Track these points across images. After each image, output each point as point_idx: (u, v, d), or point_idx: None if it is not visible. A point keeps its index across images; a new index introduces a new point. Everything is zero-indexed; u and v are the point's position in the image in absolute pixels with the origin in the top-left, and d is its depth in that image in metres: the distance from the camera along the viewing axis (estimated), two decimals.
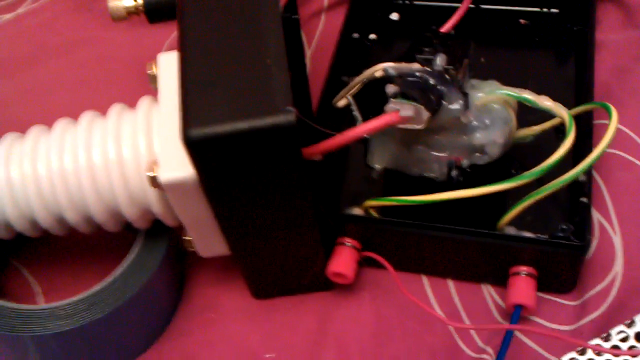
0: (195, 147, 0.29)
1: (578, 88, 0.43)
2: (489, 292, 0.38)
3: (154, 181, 0.32)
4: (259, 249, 0.35)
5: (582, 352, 0.34)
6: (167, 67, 0.35)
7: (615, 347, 0.34)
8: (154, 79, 0.35)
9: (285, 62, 0.30)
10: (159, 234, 0.38)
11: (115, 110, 0.36)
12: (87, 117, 0.36)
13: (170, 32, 0.51)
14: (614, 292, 0.37)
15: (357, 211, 0.38)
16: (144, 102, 0.36)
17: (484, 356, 0.36)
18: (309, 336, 0.38)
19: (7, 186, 0.35)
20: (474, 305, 0.38)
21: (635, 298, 0.36)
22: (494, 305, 0.37)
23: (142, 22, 0.42)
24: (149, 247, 0.37)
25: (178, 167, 0.32)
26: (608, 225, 0.39)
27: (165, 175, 0.32)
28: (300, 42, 0.41)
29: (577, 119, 0.36)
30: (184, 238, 0.36)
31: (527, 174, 0.34)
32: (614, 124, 0.34)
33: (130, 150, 0.34)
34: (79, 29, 0.54)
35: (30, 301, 0.40)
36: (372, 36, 0.48)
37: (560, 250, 0.34)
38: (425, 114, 0.34)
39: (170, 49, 0.51)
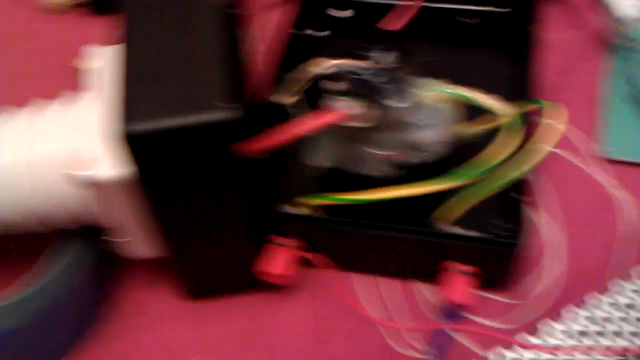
0: (132, 141, 0.28)
1: (524, 87, 0.43)
2: (423, 290, 0.38)
3: (85, 180, 0.31)
4: (195, 247, 0.34)
5: (509, 347, 0.34)
6: (99, 61, 0.34)
7: (542, 344, 0.34)
8: (85, 72, 0.34)
9: (224, 57, 0.30)
10: (86, 239, 0.36)
11: (43, 106, 0.34)
12: (18, 115, 0.35)
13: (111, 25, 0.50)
14: (555, 293, 0.37)
15: (292, 209, 0.37)
16: (71, 97, 0.34)
17: (417, 354, 0.35)
18: (240, 338, 0.37)
19: None
20: (409, 303, 0.37)
21: (571, 294, 0.36)
22: (428, 304, 0.37)
23: (84, 14, 0.41)
24: (73, 254, 0.36)
25: (109, 165, 0.31)
26: (546, 223, 0.39)
27: (98, 173, 0.31)
28: (246, 37, 0.40)
29: (522, 117, 0.36)
30: (112, 240, 0.35)
31: (468, 173, 0.33)
32: (560, 123, 0.34)
33: (55, 150, 0.33)
34: (18, 21, 0.52)
35: None
36: (324, 32, 0.47)
37: (493, 248, 0.34)
38: (371, 113, 0.33)
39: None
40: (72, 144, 0.33)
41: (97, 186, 0.31)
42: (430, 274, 0.37)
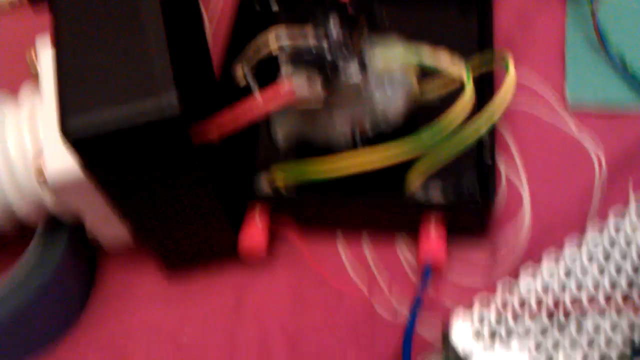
0: (74, 140, 0.27)
1: (480, 38, 0.42)
2: (403, 249, 0.38)
3: (40, 174, 0.31)
4: (163, 229, 0.34)
5: (488, 303, 0.35)
6: (47, 52, 0.33)
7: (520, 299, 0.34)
8: (34, 65, 0.33)
9: (165, 43, 0.28)
10: (58, 227, 0.36)
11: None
12: None
13: None
14: (523, 244, 0.38)
15: (265, 182, 0.37)
16: (27, 91, 0.34)
17: (399, 318, 0.36)
18: (226, 312, 0.37)
19: None
20: (388, 266, 0.38)
21: (543, 247, 0.37)
22: (408, 265, 0.38)
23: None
24: (49, 241, 0.36)
25: (64, 158, 0.30)
26: (516, 179, 0.40)
27: (51, 166, 0.31)
28: (195, 18, 0.39)
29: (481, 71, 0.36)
30: (88, 234, 0.35)
31: (422, 135, 0.33)
32: (512, 70, 0.34)
33: (15, 145, 0.33)
34: None
35: None
36: (274, 8, 0.46)
37: (463, 206, 0.35)
38: (322, 90, 0.33)
39: None
40: (25, 141, 0.32)
41: (48, 179, 0.31)
42: (408, 227, 0.37)
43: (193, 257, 0.38)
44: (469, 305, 0.33)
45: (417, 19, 0.44)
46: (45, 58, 0.33)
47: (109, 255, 0.40)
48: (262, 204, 0.37)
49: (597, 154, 0.40)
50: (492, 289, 0.35)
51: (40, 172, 0.31)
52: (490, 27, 0.41)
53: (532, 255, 0.36)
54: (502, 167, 0.40)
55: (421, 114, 0.37)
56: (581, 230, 0.36)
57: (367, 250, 0.38)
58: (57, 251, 0.36)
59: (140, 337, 0.37)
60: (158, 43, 0.28)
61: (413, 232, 0.37)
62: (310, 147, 0.37)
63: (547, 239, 0.37)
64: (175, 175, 0.30)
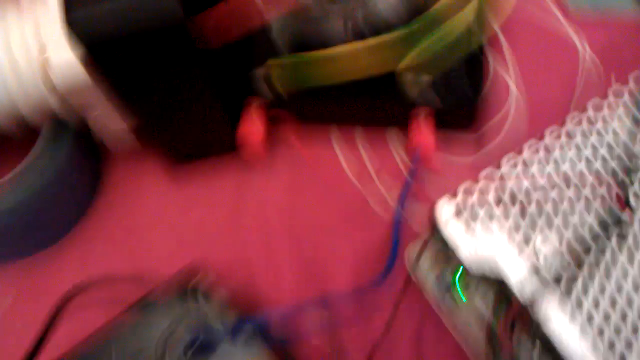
0: (77, 29, 0.28)
1: None
2: (394, 146, 0.40)
3: (44, 70, 0.32)
4: (165, 124, 0.36)
5: (471, 191, 0.37)
6: None
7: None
8: None
9: None
10: (63, 128, 0.38)
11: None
12: None
13: None
14: (506, 128, 0.40)
15: (262, 79, 0.38)
16: None
17: (389, 211, 0.38)
18: (227, 203, 0.40)
19: None
20: (381, 160, 0.40)
21: (531, 135, 0.38)
22: (400, 159, 0.40)
23: None
24: (54, 140, 0.38)
25: (67, 53, 0.32)
26: (505, 70, 0.41)
27: (55, 62, 0.32)
28: None
29: None
30: (93, 132, 0.36)
31: (415, 20, 0.34)
32: None
33: (19, 45, 0.33)
34: None
35: None
36: None
37: (455, 101, 0.37)
38: None
39: None
40: (29, 39, 0.33)
41: (52, 72, 0.32)
42: (400, 121, 0.39)
43: (194, 153, 0.39)
44: (455, 195, 0.35)
45: None
46: None
47: (115, 156, 0.41)
48: (259, 101, 0.38)
49: (583, 52, 0.41)
50: (476, 180, 0.37)
51: (44, 69, 0.32)
52: None
53: (515, 147, 0.38)
54: (491, 61, 0.41)
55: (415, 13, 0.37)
56: (563, 122, 0.37)
57: (361, 146, 0.40)
58: (62, 149, 0.37)
59: (145, 229, 0.39)
60: None
61: (404, 128, 0.38)
62: (306, 46, 0.38)
63: (531, 132, 0.39)
64: (176, 71, 0.32)
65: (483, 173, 0.35)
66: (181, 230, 0.39)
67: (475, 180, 0.35)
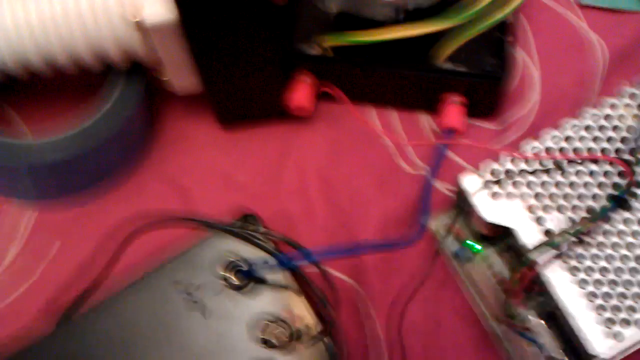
0: None
1: None
2: (426, 120, 0.44)
3: (139, 25, 0.36)
4: (230, 81, 0.40)
5: (496, 159, 0.40)
6: None
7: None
8: None
9: None
10: (135, 75, 0.41)
11: None
12: None
13: None
14: (530, 118, 0.44)
15: (309, 49, 0.42)
16: None
17: (420, 172, 0.43)
18: (271, 159, 0.44)
19: (2, 32, 0.38)
20: (414, 130, 0.44)
21: (548, 122, 0.43)
22: (431, 131, 0.44)
23: None
24: (126, 89, 0.41)
25: (160, 10, 0.36)
26: (529, 61, 0.45)
27: (149, 19, 0.36)
28: None
29: None
30: (161, 78, 0.40)
31: (459, 15, 0.39)
32: None
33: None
34: None
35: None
36: None
37: (484, 80, 0.41)
38: None
39: None
40: None
41: (144, 30, 0.36)
42: (431, 104, 0.43)
43: (246, 113, 0.43)
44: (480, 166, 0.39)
45: None
46: None
47: (168, 105, 0.45)
48: (308, 66, 0.42)
49: (600, 46, 0.45)
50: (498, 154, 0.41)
51: (138, 23, 0.36)
52: None
53: (539, 126, 0.43)
54: (519, 50, 0.45)
55: None
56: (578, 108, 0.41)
57: (396, 120, 0.44)
58: (135, 97, 0.41)
59: (197, 174, 0.43)
60: None
61: (435, 98, 0.43)
62: (350, 16, 0.42)
63: (549, 119, 0.43)
64: (249, 29, 0.36)
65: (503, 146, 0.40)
66: (230, 178, 0.43)
67: (498, 155, 0.39)
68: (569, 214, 0.37)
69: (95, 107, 0.41)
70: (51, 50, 0.38)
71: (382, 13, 0.41)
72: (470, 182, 0.38)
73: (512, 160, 0.38)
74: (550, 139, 0.38)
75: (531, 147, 0.38)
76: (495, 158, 0.38)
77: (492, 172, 0.38)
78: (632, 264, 0.35)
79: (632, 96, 0.39)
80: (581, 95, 0.44)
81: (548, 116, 0.44)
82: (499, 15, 0.39)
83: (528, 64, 0.45)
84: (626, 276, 0.35)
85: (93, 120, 0.40)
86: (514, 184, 0.37)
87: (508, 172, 0.38)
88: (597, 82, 0.44)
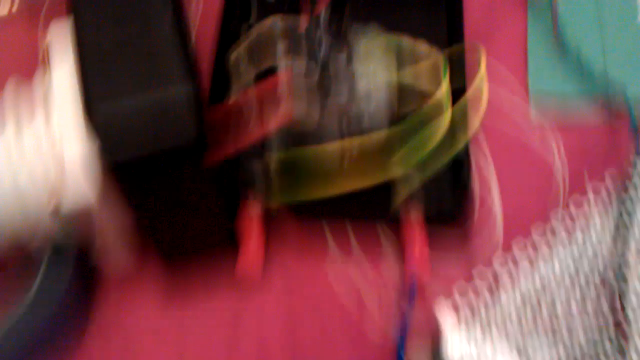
0: (100, 128, 0.30)
1: (450, 31, 0.45)
2: (390, 271, 0.41)
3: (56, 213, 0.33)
4: (167, 227, 0.36)
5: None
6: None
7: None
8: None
9: (175, 38, 0.31)
10: (65, 252, 0.38)
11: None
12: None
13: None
14: (495, 234, 0.41)
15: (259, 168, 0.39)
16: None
17: (387, 339, 0.39)
18: (223, 330, 0.40)
19: None
20: (378, 288, 0.40)
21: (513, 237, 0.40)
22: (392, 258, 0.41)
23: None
24: (55, 268, 0.37)
25: (75, 195, 0.33)
26: (488, 182, 0.43)
27: (66, 207, 0.33)
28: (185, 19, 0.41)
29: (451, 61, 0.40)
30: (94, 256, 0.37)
31: (408, 161, 0.37)
32: (482, 62, 0.38)
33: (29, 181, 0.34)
34: None
35: None
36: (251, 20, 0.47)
37: (441, 222, 0.39)
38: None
39: None
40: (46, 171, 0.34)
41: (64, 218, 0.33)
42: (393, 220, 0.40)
43: (191, 248, 0.40)
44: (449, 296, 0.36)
45: (386, 15, 0.46)
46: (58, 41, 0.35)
47: (109, 278, 0.41)
48: (255, 196, 0.39)
49: (558, 150, 0.43)
50: (468, 278, 0.38)
51: (55, 212, 0.33)
52: (460, 23, 0.44)
53: (504, 245, 0.40)
54: (475, 172, 0.42)
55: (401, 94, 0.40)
56: (545, 220, 0.39)
57: (355, 244, 0.41)
58: (64, 280, 0.37)
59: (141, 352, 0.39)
60: (171, 37, 0.32)
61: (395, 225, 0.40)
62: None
63: (516, 230, 0.40)
64: (189, 183, 0.33)
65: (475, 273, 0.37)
66: (177, 352, 0.39)
67: (467, 279, 0.35)
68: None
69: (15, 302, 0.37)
70: None
71: (328, 133, 0.39)
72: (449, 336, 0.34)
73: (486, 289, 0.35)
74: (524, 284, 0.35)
75: (504, 268, 0.35)
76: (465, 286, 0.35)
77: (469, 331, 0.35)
78: None
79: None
80: (544, 205, 0.41)
81: (512, 231, 0.41)
82: (444, 127, 0.38)
83: (487, 178, 0.43)
84: None
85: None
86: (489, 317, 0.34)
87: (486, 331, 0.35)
88: (557, 188, 0.42)
